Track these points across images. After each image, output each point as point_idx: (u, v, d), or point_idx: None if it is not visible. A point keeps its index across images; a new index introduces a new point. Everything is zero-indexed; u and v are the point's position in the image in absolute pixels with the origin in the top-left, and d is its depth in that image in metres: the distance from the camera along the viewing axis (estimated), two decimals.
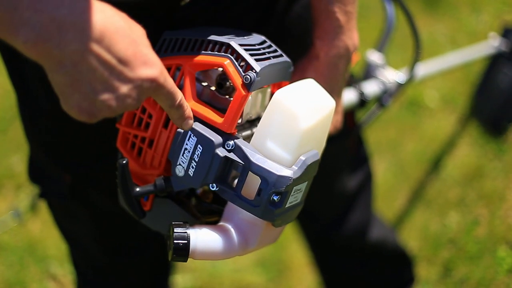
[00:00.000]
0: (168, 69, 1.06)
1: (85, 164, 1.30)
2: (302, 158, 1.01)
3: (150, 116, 1.07)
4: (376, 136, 2.65)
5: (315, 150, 1.04)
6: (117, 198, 1.18)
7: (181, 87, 1.05)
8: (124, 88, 0.85)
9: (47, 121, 1.25)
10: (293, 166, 1.00)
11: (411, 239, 2.31)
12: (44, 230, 2.41)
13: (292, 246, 2.35)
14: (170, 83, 0.90)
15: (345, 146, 1.60)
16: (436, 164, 2.62)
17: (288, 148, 1.00)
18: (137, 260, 1.59)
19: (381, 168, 2.57)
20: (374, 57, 1.72)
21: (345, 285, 1.92)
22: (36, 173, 1.38)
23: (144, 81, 0.86)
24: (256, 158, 1.00)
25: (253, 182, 1.01)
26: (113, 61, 0.83)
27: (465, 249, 2.30)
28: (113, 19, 0.82)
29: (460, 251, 2.30)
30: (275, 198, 0.99)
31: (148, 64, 0.86)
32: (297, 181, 1.00)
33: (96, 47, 0.81)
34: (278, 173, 0.99)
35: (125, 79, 0.84)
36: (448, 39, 3.09)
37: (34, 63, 0.83)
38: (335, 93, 1.20)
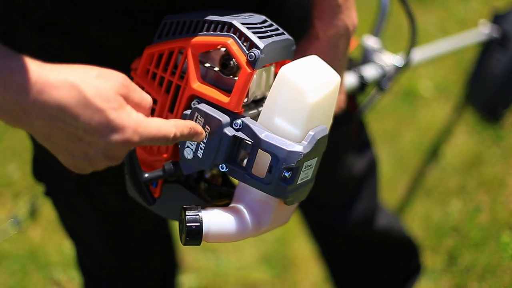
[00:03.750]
0: (171, 52, 1.06)
1: None
2: (311, 133, 1.01)
3: (155, 102, 1.06)
4: (373, 128, 2.62)
5: (324, 125, 1.04)
6: (123, 194, 1.17)
7: (185, 70, 1.05)
8: (99, 154, 0.87)
9: None
10: (303, 141, 1.00)
11: (414, 229, 2.30)
12: (44, 236, 2.39)
13: (295, 241, 2.34)
14: (149, 132, 0.89)
15: (348, 131, 1.59)
16: (434, 153, 2.62)
17: (297, 123, 0.99)
18: (143, 258, 1.58)
19: (380, 160, 2.56)
20: (371, 41, 1.72)
21: (352, 275, 1.91)
22: (41, 171, 1.37)
23: (118, 145, 0.87)
24: (265, 135, 0.99)
25: (263, 160, 1.00)
26: (79, 132, 0.85)
27: (468, 237, 2.29)
28: (71, 93, 0.83)
29: (464, 238, 2.30)
30: (287, 174, 0.99)
31: (117, 130, 0.86)
32: (307, 156, 1.00)
33: (58, 123, 0.84)
34: (288, 149, 0.98)
35: (98, 147, 0.86)
36: (438, 29, 3.09)
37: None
38: (337, 72, 1.19)
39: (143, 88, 1.07)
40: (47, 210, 2.43)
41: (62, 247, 2.32)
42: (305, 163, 1.00)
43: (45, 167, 1.36)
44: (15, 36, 1.13)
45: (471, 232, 2.30)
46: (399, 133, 2.73)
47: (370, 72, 1.62)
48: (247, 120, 1.01)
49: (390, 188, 2.48)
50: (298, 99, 0.99)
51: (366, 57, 1.71)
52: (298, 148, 0.98)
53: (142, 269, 1.61)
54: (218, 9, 1.11)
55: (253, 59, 1.00)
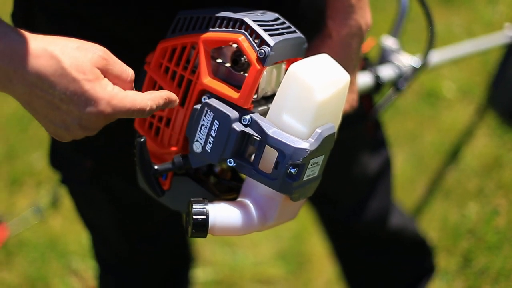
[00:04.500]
0: (184, 47, 1.08)
1: (106, 149, 1.32)
2: (318, 130, 1.02)
3: None
4: (394, 128, 2.65)
5: (331, 123, 1.05)
6: (137, 185, 1.19)
7: (197, 65, 1.07)
8: (75, 123, 0.91)
9: None
10: (310, 139, 1.01)
11: (430, 229, 2.31)
12: (65, 226, 2.43)
13: (311, 238, 2.35)
14: (123, 105, 0.92)
15: (363, 130, 1.60)
16: (454, 155, 2.61)
17: (304, 120, 1.01)
18: (158, 249, 1.60)
19: (400, 160, 2.57)
20: (389, 42, 1.72)
21: (364, 274, 1.92)
22: (57, 159, 1.40)
23: (91, 116, 0.90)
24: (272, 131, 1.01)
25: (270, 156, 1.01)
26: (56, 101, 0.88)
27: (484, 239, 2.29)
28: (50, 62, 0.87)
29: (479, 241, 2.29)
30: (293, 170, 1.00)
31: (90, 101, 0.90)
32: (313, 153, 1.01)
33: (37, 90, 0.87)
34: (294, 145, 0.99)
35: (73, 116, 0.90)
36: (464, 30, 3.08)
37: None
38: (350, 72, 1.19)
39: (156, 82, 1.09)
40: (69, 200, 2.46)
41: (81, 237, 2.35)
42: (311, 160, 1.02)
43: (60, 156, 1.39)
44: (30, 26, 1.16)
45: (487, 235, 2.30)
46: (420, 134, 2.73)
47: (386, 72, 1.62)
48: (256, 116, 1.02)
49: (409, 188, 2.48)
50: (306, 97, 1.00)
51: (383, 57, 1.71)
52: (305, 145, 1.00)
53: (155, 259, 1.62)
54: (232, 6, 1.12)
55: (263, 56, 1.02)
